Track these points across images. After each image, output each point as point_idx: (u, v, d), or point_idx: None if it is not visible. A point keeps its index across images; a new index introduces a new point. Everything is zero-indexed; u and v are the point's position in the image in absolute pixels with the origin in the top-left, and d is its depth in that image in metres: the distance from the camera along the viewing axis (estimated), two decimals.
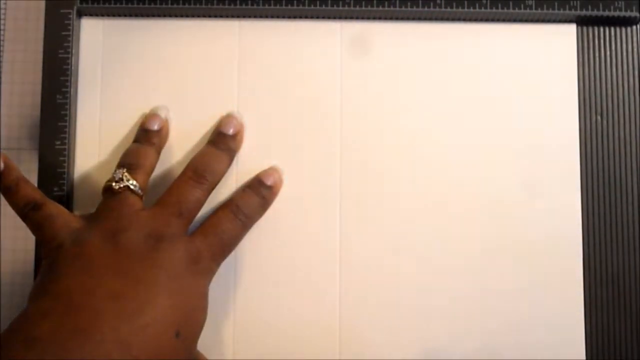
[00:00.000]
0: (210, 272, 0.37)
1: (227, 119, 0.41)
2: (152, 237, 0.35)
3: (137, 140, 0.40)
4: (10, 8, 0.43)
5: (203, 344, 0.41)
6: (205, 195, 0.38)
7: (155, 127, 0.40)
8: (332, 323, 0.41)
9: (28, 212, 0.37)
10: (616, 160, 0.42)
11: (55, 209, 0.37)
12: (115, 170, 0.38)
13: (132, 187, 0.37)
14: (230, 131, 0.41)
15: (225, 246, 0.38)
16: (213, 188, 0.39)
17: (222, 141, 0.41)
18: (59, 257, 0.35)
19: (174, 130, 0.42)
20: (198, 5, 0.42)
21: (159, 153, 0.40)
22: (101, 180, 0.41)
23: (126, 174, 0.37)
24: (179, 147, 0.42)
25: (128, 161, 0.38)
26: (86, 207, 0.41)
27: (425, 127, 0.42)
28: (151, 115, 0.41)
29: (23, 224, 0.42)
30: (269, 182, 0.41)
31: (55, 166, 0.41)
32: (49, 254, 0.36)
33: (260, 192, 0.40)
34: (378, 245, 0.41)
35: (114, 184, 0.37)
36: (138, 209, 0.37)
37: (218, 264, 0.38)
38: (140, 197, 0.38)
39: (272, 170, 0.41)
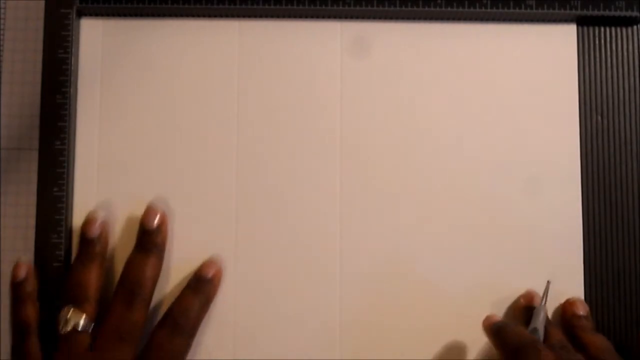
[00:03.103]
0: None
1: (147, 213, 0.40)
2: None
3: (78, 254, 0.40)
4: (10, 8, 0.43)
5: (203, 344, 0.41)
6: (142, 312, 0.38)
7: (96, 235, 0.40)
8: (332, 323, 0.41)
9: (15, 333, 0.38)
10: (616, 160, 0.42)
11: (34, 346, 0.38)
12: (61, 309, 0.38)
13: (78, 327, 0.37)
14: (154, 225, 0.40)
15: None
16: (149, 299, 0.39)
17: (147, 240, 0.40)
18: None
19: (174, 130, 0.42)
20: (198, 5, 0.42)
21: (104, 259, 0.40)
22: (101, 181, 0.41)
23: (71, 312, 0.38)
24: (179, 148, 0.42)
25: (73, 296, 0.38)
26: (86, 207, 0.41)
27: (425, 127, 0.42)
28: (89, 221, 0.40)
29: (23, 224, 0.42)
30: (209, 275, 0.40)
31: (55, 166, 0.41)
32: None
33: (200, 290, 0.40)
34: (379, 244, 0.41)
35: (61, 327, 0.38)
36: (85, 346, 0.37)
37: None
38: (88, 332, 0.38)
39: (210, 262, 0.41)
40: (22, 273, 0.39)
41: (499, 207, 0.42)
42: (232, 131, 0.42)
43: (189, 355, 0.39)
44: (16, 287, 0.39)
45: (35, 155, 0.41)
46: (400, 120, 0.42)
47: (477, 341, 0.41)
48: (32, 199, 0.41)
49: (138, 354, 0.38)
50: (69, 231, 0.41)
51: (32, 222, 0.41)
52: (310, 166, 0.42)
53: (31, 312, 0.39)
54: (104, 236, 0.40)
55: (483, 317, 0.39)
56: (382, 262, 0.41)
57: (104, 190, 0.41)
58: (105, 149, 0.42)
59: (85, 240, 0.40)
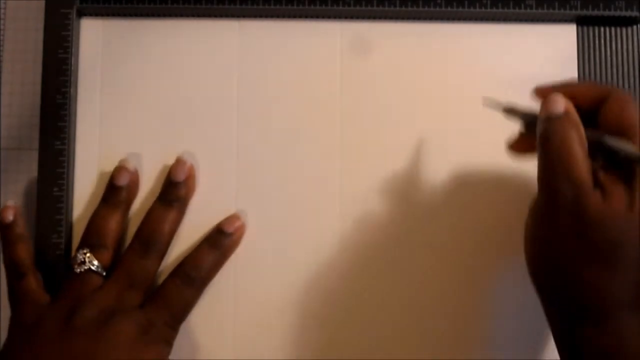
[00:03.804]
0: (165, 338, 0.38)
1: (177, 165, 0.40)
2: (104, 313, 0.37)
3: (104, 199, 0.40)
4: (10, 8, 0.43)
5: (203, 344, 0.41)
6: (156, 262, 0.39)
7: (124, 183, 0.40)
8: (332, 322, 0.41)
9: (10, 277, 0.38)
10: None
11: (33, 284, 0.38)
12: (78, 250, 0.39)
13: (93, 268, 0.38)
14: (181, 178, 0.40)
15: (177, 313, 0.38)
16: (164, 250, 0.40)
17: (172, 192, 0.40)
18: (18, 337, 0.37)
19: (174, 130, 0.42)
20: (198, 5, 0.42)
21: (128, 208, 0.41)
22: (101, 181, 0.41)
23: (89, 255, 0.38)
24: (179, 148, 0.42)
25: (91, 241, 0.39)
26: (86, 207, 0.41)
27: (425, 126, 0.42)
28: (119, 169, 0.40)
29: None
30: (230, 230, 0.40)
31: (55, 166, 0.41)
32: (11, 329, 0.37)
33: (218, 244, 0.40)
34: (380, 246, 0.41)
35: (76, 266, 0.38)
36: (96, 288, 0.38)
37: (175, 329, 0.38)
38: (102, 275, 0.38)
39: (233, 217, 0.41)
40: (9, 216, 0.39)
41: (498, 207, 0.42)
42: (232, 131, 0.42)
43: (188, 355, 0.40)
44: (5, 230, 0.39)
45: (35, 155, 0.41)
46: (400, 120, 0.42)
47: (480, 343, 0.41)
48: (32, 199, 0.41)
49: (145, 300, 0.38)
50: (69, 231, 0.41)
51: (32, 222, 0.41)
52: (310, 166, 0.42)
53: (24, 252, 0.39)
54: (131, 186, 0.41)
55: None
56: (383, 263, 0.41)
57: (104, 190, 0.41)
58: (105, 149, 0.42)
59: (113, 187, 0.40)
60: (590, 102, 0.35)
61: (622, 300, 0.32)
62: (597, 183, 0.33)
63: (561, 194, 0.33)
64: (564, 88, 0.35)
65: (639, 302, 0.32)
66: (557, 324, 0.34)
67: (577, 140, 0.33)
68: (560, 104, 0.34)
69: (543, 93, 0.36)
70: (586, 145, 0.33)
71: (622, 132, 0.33)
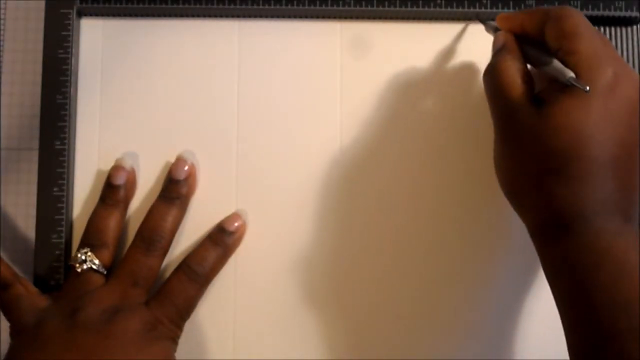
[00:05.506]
0: (171, 336, 0.38)
1: (177, 163, 0.41)
2: (108, 310, 0.36)
3: (102, 198, 0.40)
4: (10, 8, 0.43)
5: (203, 344, 0.41)
6: (159, 260, 0.39)
7: (121, 182, 0.40)
8: (332, 321, 0.41)
9: None
10: None
11: (23, 290, 0.38)
12: (78, 249, 0.39)
13: (94, 267, 0.38)
14: (182, 176, 0.40)
15: (182, 309, 0.38)
16: (167, 248, 0.40)
17: (173, 189, 0.40)
18: (21, 340, 0.36)
19: (174, 130, 0.42)
20: (198, 5, 0.42)
21: (126, 207, 0.41)
22: (101, 181, 0.41)
23: (89, 254, 0.39)
24: (179, 148, 0.42)
25: (91, 241, 0.39)
26: (86, 206, 0.41)
27: (424, 126, 0.42)
28: (116, 169, 0.41)
29: (22, 224, 0.42)
30: (231, 229, 0.40)
31: (55, 166, 0.41)
32: (14, 336, 0.37)
33: (220, 241, 0.40)
34: (383, 247, 0.41)
35: (77, 265, 0.38)
36: (98, 286, 0.38)
37: (180, 326, 0.38)
38: (103, 274, 0.39)
39: (235, 216, 0.41)
40: None
41: (498, 207, 0.42)
42: (232, 131, 0.42)
43: (188, 354, 0.40)
44: None
45: (35, 155, 0.41)
46: (400, 120, 0.42)
47: (478, 342, 0.41)
48: (32, 199, 0.41)
49: (149, 297, 0.38)
50: (69, 231, 0.41)
51: (32, 222, 0.41)
52: (310, 167, 0.42)
53: (3, 268, 0.38)
54: (129, 185, 0.41)
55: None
56: (385, 268, 0.41)
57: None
58: (105, 149, 0.42)
59: (110, 186, 0.40)
60: (536, 26, 0.36)
61: (592, 209, 0.32)
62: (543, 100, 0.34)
63: (501, 116, 0.35)
64: (514, 15, 0.38)
65: (613, 210, 0.32)
66: (538, 238, 0.35)
67: (512, 67, 0.35)
68: (500, 39, 0.37)
69: (502, 20, 0.39)
70: (523, 69, 0.35)
71: (562, 48, 0.34)
